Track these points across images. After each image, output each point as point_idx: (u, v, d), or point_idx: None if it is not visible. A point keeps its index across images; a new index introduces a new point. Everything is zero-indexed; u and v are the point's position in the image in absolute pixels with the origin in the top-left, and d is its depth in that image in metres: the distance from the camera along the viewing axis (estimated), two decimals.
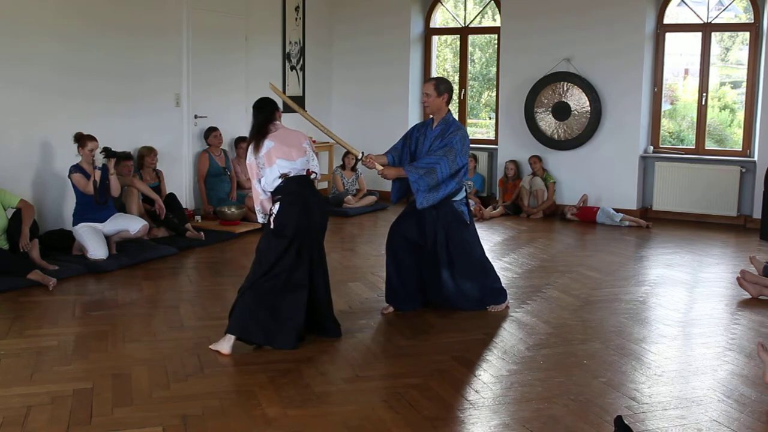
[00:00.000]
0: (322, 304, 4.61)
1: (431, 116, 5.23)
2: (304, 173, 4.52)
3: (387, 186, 10.28)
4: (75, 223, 6.39)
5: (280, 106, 4.64)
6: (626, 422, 3.26)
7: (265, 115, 4.54)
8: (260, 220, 4.61)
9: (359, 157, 5.07)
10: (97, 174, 6.35)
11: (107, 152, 6.36)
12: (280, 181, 4.43)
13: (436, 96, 5.06)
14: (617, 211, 8.71)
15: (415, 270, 5.20)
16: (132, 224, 6.54)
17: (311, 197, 4.50)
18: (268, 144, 4.43)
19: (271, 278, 4.38)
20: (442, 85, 5.09)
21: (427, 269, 5.20)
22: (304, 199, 4.44)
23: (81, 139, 6.34)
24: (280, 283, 4.39)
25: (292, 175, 4.45)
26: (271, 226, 4.44)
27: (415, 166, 4.98)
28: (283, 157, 4.42)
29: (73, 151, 6.42)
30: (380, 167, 5.06)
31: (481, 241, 5.43)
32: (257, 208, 4.60)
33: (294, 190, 4.44)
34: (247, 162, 4.52)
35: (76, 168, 6.33)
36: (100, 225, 6.41)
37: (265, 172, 4.44)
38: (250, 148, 4.48)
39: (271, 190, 4.48)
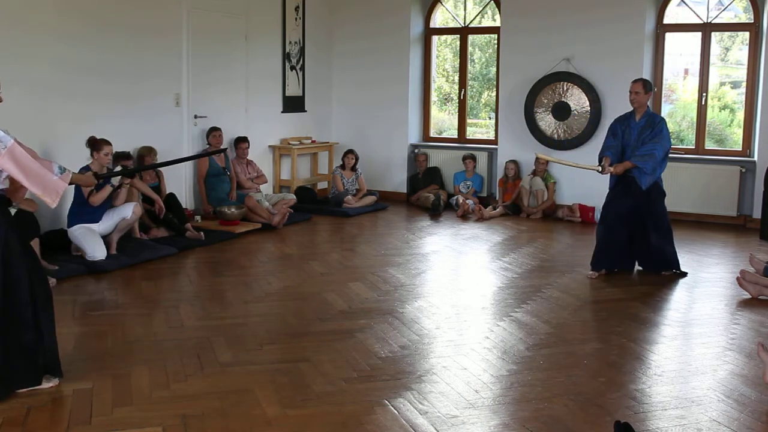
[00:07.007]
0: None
1: (633, 110, 6.19)
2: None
3: (386, 186, 10.42)
4: (70, 225, 6.38)
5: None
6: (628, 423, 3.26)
7: None
8: None
9: (598, 170, 6.10)
10: (108, 188, 6.33)
11: (125, 173, 6.35)
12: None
13: (644, 93, 6.08)
14: None
15: (626, 238, 6.22)
16: (125, 211, 6.53)
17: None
18: None
19: None
20: (648, 85, 6.13)
21: (636, 238, 6.23)
22: None
23: (95, 144, 6.20)
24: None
25: None
26: None
27: (639, 155, 6.00)
28: None
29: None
30: (611, 168, 6.06)
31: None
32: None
33: None
34: None
35: (86, 171, 6.28)
36: (95, 225, 6.40)
37: None
38: None
39: None
